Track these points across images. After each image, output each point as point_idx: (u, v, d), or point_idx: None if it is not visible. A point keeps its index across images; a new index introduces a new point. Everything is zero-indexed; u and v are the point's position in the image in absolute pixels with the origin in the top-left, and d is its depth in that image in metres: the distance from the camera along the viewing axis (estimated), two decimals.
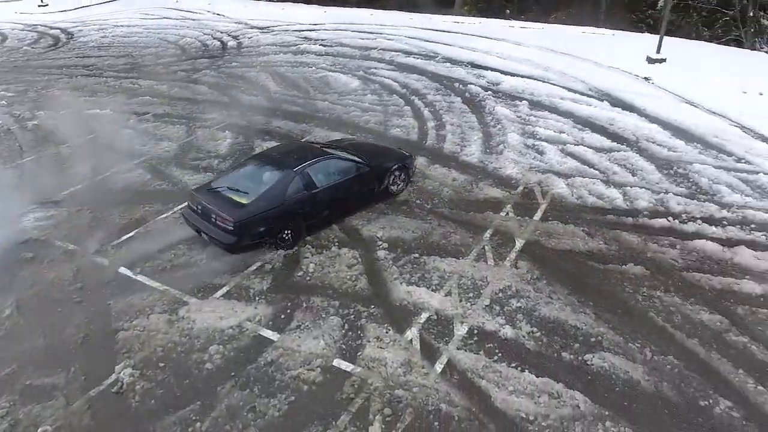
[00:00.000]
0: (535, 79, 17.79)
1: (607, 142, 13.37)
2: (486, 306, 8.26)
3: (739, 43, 24.57)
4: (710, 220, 10.22)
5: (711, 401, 6.74)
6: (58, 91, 19.26)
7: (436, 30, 25.03)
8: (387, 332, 7.86)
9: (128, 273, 9.36)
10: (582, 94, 16.52)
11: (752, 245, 9.51)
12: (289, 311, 8.36)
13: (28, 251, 10.00)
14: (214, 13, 32.05)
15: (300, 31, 26.54)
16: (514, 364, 7.26)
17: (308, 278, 9.05)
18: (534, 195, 11.23)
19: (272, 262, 9.43)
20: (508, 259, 9.29)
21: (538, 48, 21.10)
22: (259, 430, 6.57)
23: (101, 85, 19.86)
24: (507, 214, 10.58)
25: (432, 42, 22.93)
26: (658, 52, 18.64)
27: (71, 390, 7.18)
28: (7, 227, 10.52)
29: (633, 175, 11.86)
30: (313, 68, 20.27)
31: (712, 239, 9.67)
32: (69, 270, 9.48)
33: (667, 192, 11.13)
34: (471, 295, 8.49)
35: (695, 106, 15.26)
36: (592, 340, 7.64)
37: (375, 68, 19.78)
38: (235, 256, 9.54)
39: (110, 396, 7.10)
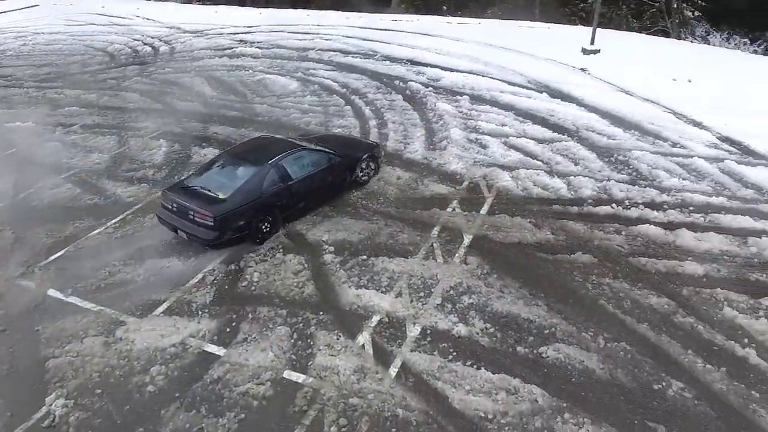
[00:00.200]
0: (474, 73, 17.83)
1: (548, 133, 13.49)
2: (438, 305, 8.08)
3: (666, 34, 25.45)
4: (652, 205, 10.39)
5: (664, 384, 6.78)
6: None
7: (374, 28, 24.84)
8: (338, 339, 7.58)
9: (58, 295, 8.73)
10: (521, 86, 16.65)
11: (692, 227, 9.71)
12: (234, 324, 7.97)
13: None
14: (143, 18, 30.85)
15: (235, 33, 25.85)
16: (469, 363, 7.11)
17: (253, 288, 8.66)
18: (480, 189, 11.16)
19: (214, 273, 9.00)
20: (457, 255, 9.15)
21: (477, 43, 21.21)
22: None
23: (22, 97, 18.70)
24: (454, 209, 10.46)
25: (370, 41, 22.72)
26: (592, 43, 19.03)
27: None
28: None
29: (575, 165, 11.98)
30: (250, 71, 19.73)
31: (655, 223, 9.82)
32: None
33: (609, 179, 11.28)
34: (422, 294, 8.31)
35: (630, 94, 15.61)
36: (546, 332, 7.58)
37: (313, 69, 19.41)
38: (173, 270, 9.07)
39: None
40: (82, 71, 21.56)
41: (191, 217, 9.08)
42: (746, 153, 12.36)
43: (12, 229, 10.55)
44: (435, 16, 28.11)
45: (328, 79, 18.22)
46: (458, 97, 15.94)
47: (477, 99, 15.84)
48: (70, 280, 9.03)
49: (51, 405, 6.80)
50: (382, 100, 16.06)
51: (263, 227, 9.58)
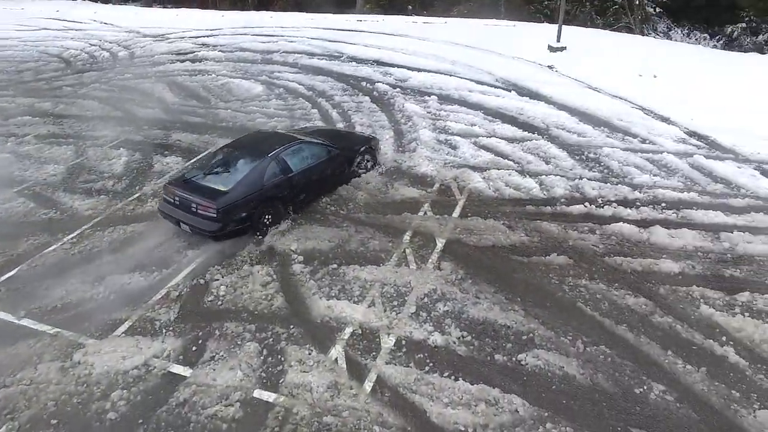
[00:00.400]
0: (442, 73, 17.66)
1: (518, 132, 13.36)
2: (412, 313, 7.82)
3: (629, 30, 25.71)
4: (624, 202, 10.32)
5: (645, 387, 6.63)
6: None
7: (339, 29, 24.51)
8: (309, 353, 7.25)
9: (10, 318, 8.20)
10: (490, 85, 16.53)
11: (665, 224, 9.65)
12: (200, 342, 7.57)
13: None
14: (101, 22, 29.95)
15: (197, 37, 25.24)
16: (447, 374, 6.86)
17: (220, 302, 8.26)
18: (451, 191, 10.94)
19: (179, 288, 8.57)
20: (430, 261, 8.90)
21: (443, 42, 21.05)
22: None
23: None
24: (425, 213, 10.21)
25: (336, 42, 22.39)
26: (558, 40, 19.04)
27: None
28: None
29: (547, 163, 11.86)
30: (213, 75, 19.21)
31: (629, 221, 9.73)
32: None
33: (581, 178, 11.18)
34: (395, 303, 8.03)
35: (598, 91, 15.62)
36: (524, 338, 7.37)
37: (278, 72, 19.00)
38: (135, 286, 8.63)
39: None
40: (36, 78, 20.74)
41: (194, 209, 9.12)
42: (713, 147, 12.43)
43: None
44: (400, 16, 27.95)
45: (293, 81, 17.84)
46: (426, 98, 15.74)
47: (445, 99, 15.66)
48: (23, 302, 8.50)
49: None
50: (349, 102, 15.75)
51: (265, 219, 9.64)
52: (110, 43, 25.40)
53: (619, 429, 6.14)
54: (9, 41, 26.97)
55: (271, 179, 9.66)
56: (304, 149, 10.37)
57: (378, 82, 17.18)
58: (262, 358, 7.24)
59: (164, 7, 34.25)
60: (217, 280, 8.70)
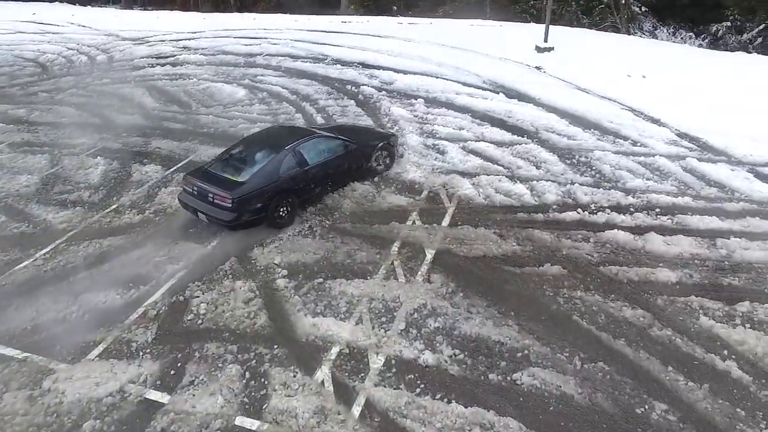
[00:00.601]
0: (428, 75, 17.35)
1: (507, 136, 13.07)
2: (402, 330, 7.46)
3: (615, 29, 25.59)
4: (618, 208, 10.05)
5: (647, 407, 6.33)
6: None
7: (324, 31, 24.13)
8: (294, 376, 6.87)
9: None
10: (477, 87, 16.24)
11: (661, 230, 9.40)
12: (179, 365, 7.16)
13: None
14: (79, 25, 29.26)
15: (178, 40, 24.71)
16: (439, 396, 6.51)
17: (200, 321, 7.86)
18: (440, 199, 10.61)
19: (157, 306, 8.15)
20: (419, 273, 8.55)
21: (429, 43, 20.76)
22: None
23: None
24: (414, 222, 9.87)
25: (320, 44, 22.01)
26: (545, 41, 18.82)
27: None
28: None
29: (537, 168, 11.57)
30: (195, 80, 18.73)
31: (623, 228, 9.46)
32: None
33: (572, 183, 10.90)
34: (384, 319, 7.67)
35: (587, 92, 15.39)
36: (519, 355, 7.05)
37: (261, 75, 18.57)
38: (110, 305, 8.20)
39: None
40: (10, 84, 20.12)
41: (211, 199, 9.34)
42: (705, 149, 12.22)
43: None
44: (385, 17, 27.65)
45: (277, 85, 17.43)
46: (413, 101, 15.41)
47: (432, 102, 15.34)
48: None
49: None
50: (334, 107, 15.38)
51: (281, 211, 9.70)
52: (88, 46, 24.79)
53: None
54: None
55: (287, 172, 9.79)
56: (321, 143, 10.48)
57: (363, 85, 16.83)
58: (244, 381, 6.85)
59: (145, 10, 33.65)
60: (198, 297, 8.29)
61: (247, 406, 6.52)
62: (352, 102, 15.61)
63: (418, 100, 15.40)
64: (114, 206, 10.97)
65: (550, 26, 19.36)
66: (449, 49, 19.92)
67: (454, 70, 17.66)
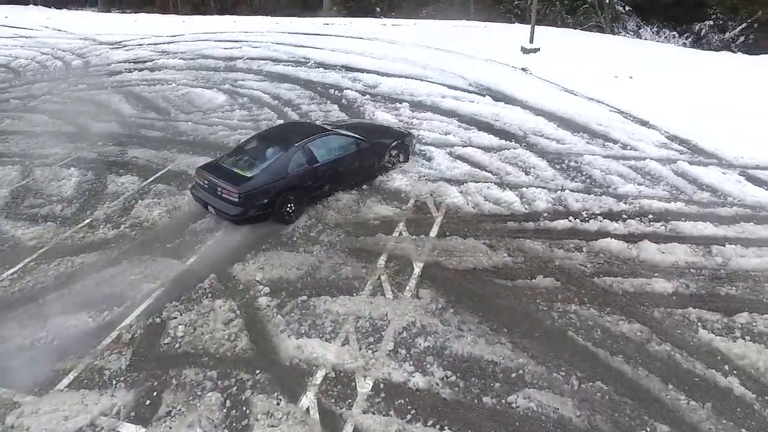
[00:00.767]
0: (413, 78, 17.02)
1: (495, 140, 12.77)
2: (390, 351, 7.10)
3: (600, 29, 25.47)
4: (610, 215, 9.78)
5: (648, 429, 6.05)
6: None
7: (306, 33, 23.74)
8: (278, 403, 6.49)
9: None
10: (463, 90, 15.94)
11: (654, 238, 9.14)
12: (155, 394, 6.74)
13: None
14: (54, 29, 28.53)
15: (156, 44, 24.15)
16: (431, 422, 6.16)
17: (177, 345, 7.43)
18: (427, 208, 10.26)
19: (132, 330, 7.71)
20: (407, 288, 8.20)
21: (413, 45, 20.45)
22: None
23: None
24: (400, 234, 9.51)
25: (302, 47, 21.62)
26: (531, 41, 18.56)
27: None
28: None
29: (527, 174, 11.27)
30: (174, 85, 18.22)
31: (616, 236, 9.19)
32: None
33: (563, 189, 10.62)
34: (371, 339, 7.31)
35: (574, 93, 15.15)
36: (513, 375, 6.72)
37: (242, 80, 18.12)
38: (82, 329, 7.76)
39: None
40: None
41: (219, 193, 9.45)
42: (696, 152, 12.01)
43: None
44: (368, 18, 27.28)
45: (258, 90, 17.00)
46: (398, 105, 15.07)
47: (417, 106, 15.01)
48: None
49: None
50: (317, 112, 14.98)
51: (288, 207, 9.78)
52: (63, 51, 24.14)
53: None
54: None
55: (295, 168, 9.84)
56: (332, 141, 10.49)
57: (347, 88, 16.46)
58: (224, 411, 6.45)
59: (123, 13, 32.94)
60: (175, 318, 7.87)
61: None
62: (336, 107, 15.23)
63: (403, 104, 15.06)
64: (88, 221, 10.48)
65: (535, 27, 19.10)
66: (434, 51, 19.62)
67: (439, 73, 17.35)
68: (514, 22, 24.58)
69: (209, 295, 8.28)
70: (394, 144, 11.40)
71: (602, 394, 6.45)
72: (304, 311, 7.84)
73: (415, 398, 6.46)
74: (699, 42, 24.79)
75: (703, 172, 11.10)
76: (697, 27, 25.36)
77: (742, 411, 6.26)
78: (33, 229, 10.36)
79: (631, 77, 15.94)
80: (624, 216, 9.76)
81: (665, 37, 24.68)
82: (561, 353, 7.03)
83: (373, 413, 6.30)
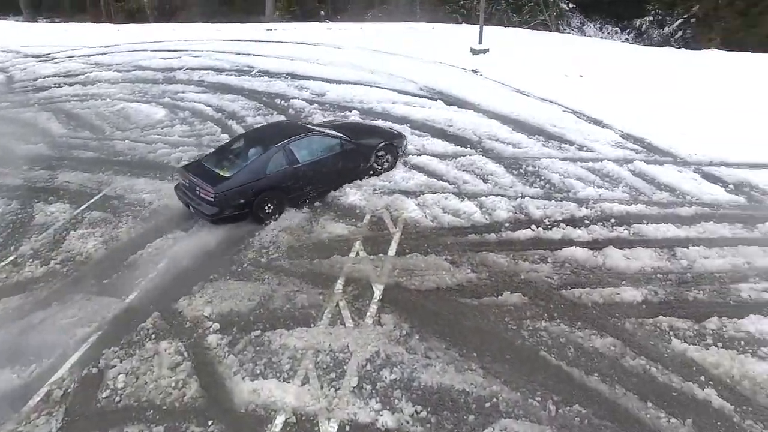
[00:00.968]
0: (362, 84, 16.52)
1: (450, 147, 12.38)
2: (354, 387, 6.57)
3: (545, 26, 25.60)
4: (572, 222, 9.51)
5: None
6: None
7: (249, 41, 22.91)
8: None
9: None
10: (414, 95, 15.54)
11: (619, 243, 8.92)
12: None
13: None
14: None
15: (89, 56, 22.83)
16: None
17: (118, 399, 6.67)
18: (384, 224, 9.75)
19: (64, 384, 6.90)
20: (368, 314, 7.67)
21: (361, 49, 19.96)
22: None
23: None
24: (357, 254, 8.97)
25: (245, 54, 20.80)
26: (480, 42, 18.33)
27: None
28: None
29: (485, 182, 10.92)
30: (108, 100, 17.11)
31: (580, 244, 8.92)
32: None
33: (523, 196, 10.30)
34: (333, 375, 6.75)
35: (526, 94, 14.95)
36: (487, 405, 6.30)
37: (183, 92, 17.19)
38: (4, 386, 6.90)
39: None
40: None
41: (197, 192, 9.50)
42: (651, 150, 11.94)
43: None
44: (313, 23, 26.63)
45: (200, 103, 16.13)
46: (347, 113, 14.51)
47: (368, 113, 14.50)
48: None
49: None
50: (263, 124, 14.26)
51: (267, 208, 9.76)
52: None
53: None
54: None
55: (275, 169, 9.82)
56: (315, 142, 10.43)
57: (293, 98, 15.81)
58: None
59: (51, 22, 31.17)
60: (115, 366, 7.09)
61: None
62: (283, 118, 14.56)
63: (353, 111, 14.53)
64: (11, 257, 9.47)
65: (483, 27, 18.90)
66: (382, 55, 19.18)
67: (388, 78, 16.91)
68: (461, 23, 24.42)
69: (153, 336, 7.54)
70: (381, 145, 11.15)
71: (581, 419, 6.11)
72: (258, 348, 7.22)
73: None
74: (640, 37, 25.25)
75: (660, 171, 11.00)
76: (638, 22, 25.82)
77: (722, 425, 6.03)
78: None
79: (581, 76, 15.90)
80: (586, 221, 9.52)
81: (608, 33, 25.04)
82: (535, 376, 6.65)
83: None
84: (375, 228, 9.65)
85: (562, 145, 12.27)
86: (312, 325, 7.54)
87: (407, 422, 6.13)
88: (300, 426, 6.16)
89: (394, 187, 10.82)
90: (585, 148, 12.07)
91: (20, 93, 18.79)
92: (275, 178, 9.81)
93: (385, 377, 6.69)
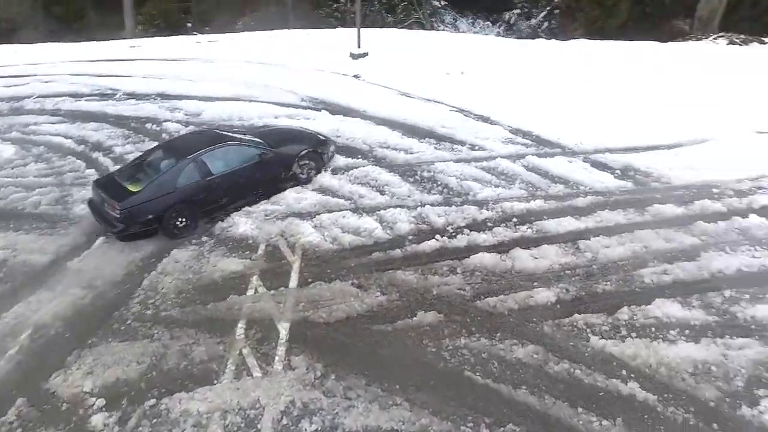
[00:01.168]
0: (241, 99, 15.57)
1: (341, 159, 11.84)
2: None
3: (420, 25, 25.82)
4: (476, 226, 9.31)
5: None
6: None
7: (109, 60, 21.03)
8: None
9: None
10: (296, 107, 14.86)
11: (524, 243, 8.83)
12: None
13: None
14: None
15: None
16: None
17: None
18: (281, 253, 8.99)
19: None
20: (277, 359, 6.93)
21: (236, 62, 18.93)
22: None
23: None
24: (256, 291, 8.15)
25: (106, 76, 19.02)
26: (359, 46, 17.95)
27: None
28: None
29: (382, 194, 10.47)
30: None
31: (486, 248, 8.72)
32: None
33: (422, 204, 9.98)
34: None
35: (411, 96, 14.78)
36: None
37: (35, 124, 15.19)
38: None
39: None
40: None
41: (106, 208, 9.26)
42: (540, 143, 12.13)
43: None
44: (181, 36, 25.02)
45: (57, 135, 14.32)
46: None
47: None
48: None
49: None
50: (135, 153, 12.90)
51: (178, 222, 9.39)
52: None
53: None
54: None
55: (186, 182, 9.46)
56: (231, 152, 10.04)
57: (166, 120, 14.54)
58: None
59: None
60: None
61: None
62: (155, 144, 13.27)
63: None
64: None
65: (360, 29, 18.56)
66: (258, 66, 18.31)
67: (266, 90, 16.10)
68: (336, 27, 23.97)
69: (21, 430, 6.32)
70: (303, 153, 10.75)
71: None
72: (155, 420, 6.24)
73: None
74: (511, 29, 26.18)
75: (551, 164, 11.14)
76: (507, 16, 26.77)
77: (649, 417, 5.98)
78: None
79: (462, 73, 15.98)
80: (489, 224, 9.36)
81: (480, 28, 25.72)
82: (463, 399, 6.27)
83: None
84: (272, 258, 8.88)
85: (454, 146, 12.14)
86: (215, 381, 6.67)
87: None
88: None
89: (286, 211, 10.09)
90: (477, 147, 12.01)
91: None
92: (186, 192, 9.42)
93: (305, 429, 6.01)
